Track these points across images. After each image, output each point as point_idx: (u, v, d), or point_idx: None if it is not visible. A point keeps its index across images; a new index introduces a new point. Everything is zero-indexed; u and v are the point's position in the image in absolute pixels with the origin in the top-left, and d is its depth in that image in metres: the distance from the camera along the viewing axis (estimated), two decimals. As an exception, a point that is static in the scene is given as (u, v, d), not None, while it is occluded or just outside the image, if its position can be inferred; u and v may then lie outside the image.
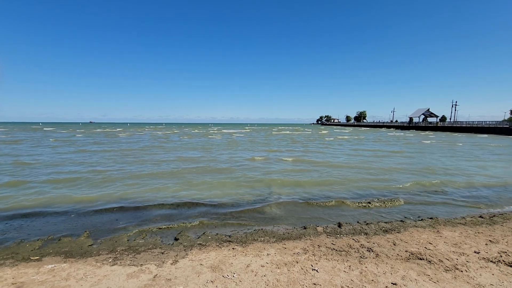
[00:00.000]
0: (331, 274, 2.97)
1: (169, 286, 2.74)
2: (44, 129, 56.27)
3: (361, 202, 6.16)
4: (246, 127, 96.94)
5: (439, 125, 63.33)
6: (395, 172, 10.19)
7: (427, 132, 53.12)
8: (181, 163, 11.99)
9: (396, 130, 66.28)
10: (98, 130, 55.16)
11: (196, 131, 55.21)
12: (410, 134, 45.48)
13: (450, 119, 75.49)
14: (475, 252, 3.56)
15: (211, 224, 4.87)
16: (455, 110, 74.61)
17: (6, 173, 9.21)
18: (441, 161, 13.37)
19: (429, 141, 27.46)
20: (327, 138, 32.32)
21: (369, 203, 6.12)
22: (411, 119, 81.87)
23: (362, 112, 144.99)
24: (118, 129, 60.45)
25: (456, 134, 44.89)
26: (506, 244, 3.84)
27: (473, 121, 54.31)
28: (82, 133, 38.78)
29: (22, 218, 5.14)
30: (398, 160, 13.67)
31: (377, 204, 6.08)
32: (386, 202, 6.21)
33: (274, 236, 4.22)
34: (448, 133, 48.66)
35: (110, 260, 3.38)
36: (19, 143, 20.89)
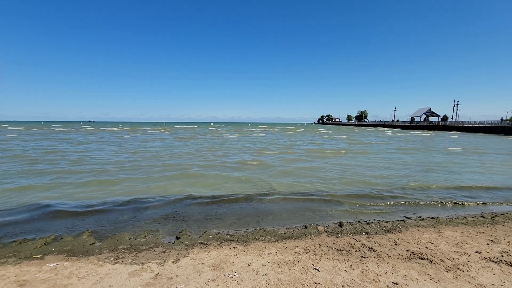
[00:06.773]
0: (332, 273, 2.97)
1: (171, 285, 2.75)
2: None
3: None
4: (262, 127, 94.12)
5: (440, 124, 63.13)
6: None
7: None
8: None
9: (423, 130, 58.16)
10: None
11: (235, 130, 51.35)
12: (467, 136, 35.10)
13: (452, 118, 75.28)
14: (476, 252, 3.55)
15: (213, 226, 4.88)
16: (457, 109, 74.42)
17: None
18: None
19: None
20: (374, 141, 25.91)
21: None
22: (412, 118, 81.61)
23: (363, 112, 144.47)
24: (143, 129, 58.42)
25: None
26: (507, 244, 3.83)
27: (475, 121, 54.03)
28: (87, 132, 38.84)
29: (24, 217, 5.17)
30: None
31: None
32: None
33: (275, 235, 4.23)
34: (451, 132, 47.78)
35: (112, 259, 3.40)
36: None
